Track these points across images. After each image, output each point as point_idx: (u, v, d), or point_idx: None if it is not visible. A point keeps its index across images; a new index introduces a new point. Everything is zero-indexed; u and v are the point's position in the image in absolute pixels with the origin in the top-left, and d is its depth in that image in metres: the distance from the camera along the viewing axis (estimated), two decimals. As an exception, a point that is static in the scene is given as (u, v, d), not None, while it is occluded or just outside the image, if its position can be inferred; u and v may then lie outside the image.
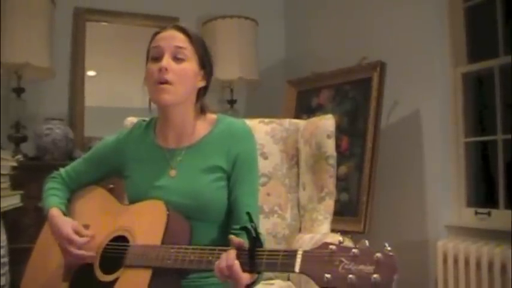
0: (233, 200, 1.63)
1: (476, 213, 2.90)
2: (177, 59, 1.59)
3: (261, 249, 1.29)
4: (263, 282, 2.13)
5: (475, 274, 2.64)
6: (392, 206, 3.25)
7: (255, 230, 1.29)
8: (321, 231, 2.20)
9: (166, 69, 1.57)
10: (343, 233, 2.13)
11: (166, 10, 3.97)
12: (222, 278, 1.33)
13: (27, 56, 3.26)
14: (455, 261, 2.74)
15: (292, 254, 1.22)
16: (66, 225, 1.63)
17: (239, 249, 1.31)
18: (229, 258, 1.30)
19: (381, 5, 3.47)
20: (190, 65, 1.62)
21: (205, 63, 1.67)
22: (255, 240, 1.28)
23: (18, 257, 1.88)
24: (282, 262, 1.23)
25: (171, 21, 3.78)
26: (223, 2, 4.05)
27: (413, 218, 3.15)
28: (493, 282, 2.56)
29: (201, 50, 1.65)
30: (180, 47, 1.60)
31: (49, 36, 3.43)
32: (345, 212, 3.16)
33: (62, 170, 1.85)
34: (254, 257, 1.27)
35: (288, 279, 2.22)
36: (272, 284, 2.14)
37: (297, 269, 1.19)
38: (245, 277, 1.30)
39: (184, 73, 1.61)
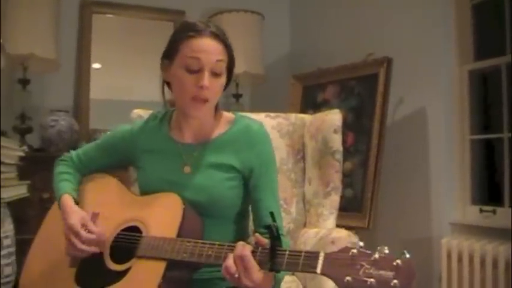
0: (255, 203, 1.64)
1: (481, 211, 2.90)
2: (215, 74, 1.56)
3: (282, 248, 1.29)
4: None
5: (479, 272, 2.64)
6: (397, 203, 3.25)
7: (277, 229, 1.29)
8: (326, 226, 2.20)
9: (207, 88, 1.55)
10: (348, 228, 2.13)
11: (172, 3, 3.97)
12: (231, 277, 1.31)
13: (32, 47, 3.26)
14: (460, 258, 2.74)
15: (314, 255, 1.23)
16: (75, 216, 1.61)
17: (261, 246, 1.31)
18: (244, 248, 1.30)
19: (387, 1, 3.46)
20: (224, 78, 1.60)
21: (231, 66, 1.65)
22: (276, 239, 1.28)
23: (23, 248, 1.88)
24: (304, 263, 1.24)
25: (177, 15, 3.89)
26: (229, -5, 4.05)
27: (417, 215, 3.14)
28: (497, 280, 2.56)
29: (230, 54, 1.62)
30: (219, 61, 1.56)
31: (55, 27, 3.43)
32: (350, 208, 3.16)
33: (73, 153, 1.84)
34: (275, 256, 1.27)
35: (293, 274, 2.23)
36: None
37: (318, 270, 1.21)
38: (259, 272, 1.29)
39: (219, 89, 1.60)
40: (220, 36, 1.57)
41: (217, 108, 1.70)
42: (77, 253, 1.59)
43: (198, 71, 1.54)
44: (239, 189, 1.65)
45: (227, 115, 1.73)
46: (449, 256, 2.79)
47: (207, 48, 1.55)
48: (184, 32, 1.58)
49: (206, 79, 1.53)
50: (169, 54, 1.61)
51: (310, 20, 4.24)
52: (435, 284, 2.96)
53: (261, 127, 1.70)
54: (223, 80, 1.60)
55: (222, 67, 1.58)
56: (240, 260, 1.29)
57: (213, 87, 1.56)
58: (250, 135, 1.67)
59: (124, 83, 3.89)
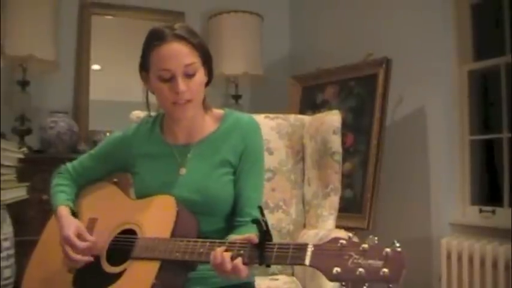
0: (237, 192, 1.64)
1: (481, 211, 2.90)
2: (188, 75, 1.56)
3: (271, 242, 1.29)
4: (268, 277, 2.14)
5: (478, 272, 2.64)
6: (397, 203, 3.24)
7: (266, 224, 1.29)
8: (325, 227, 2.20)
9: (184, 92, 1.54)
10: (347, 229, 2.13)
11: (171, 4, 3.97)
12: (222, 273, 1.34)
13: (32, 48, 3.26)
14: (459, 258, 2.73)
15: (302, 247, 1.23)
16: (70, 226, 1.62)
17: (250, 242, 1.31)
18: (216, 257, 1.33)
19: (387, 1, 3.46)
20: (200, 74, 1.59)
21: (207, 60, 1.64)
22: (265, 233, 1.29)
23: (23, 249, 1.88)
24: (293, 255, 1.24)
25: (176, 16, 3.90)
26: (228, -4, 4.05)
27: (417, 215, 3.14)
28: (496, 280, 2.56)
29: (202, 50, 1.61)
30: (188, 65, 1.55)
31: (54, 29, 3.43)
32: (349, 209, 3.15)
33: (68, 165, 1.84)
34: (264, 250, 1.28)
35: (292, 275, 2.23)
36: (277, 279, 2.14)
37: (307, 262, 1.20)
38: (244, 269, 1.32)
39: (199, 86, 1.59)
40: (185, 37, 1.56)
41: (205, 106, 1.70)
42: (72, 263, 1.61)
43: (171, 79, 1.55)
44: (233, 182, 1.65)
45: (217, 112, 1.73)
46: (449, 256, 2.79)
47: (174, 54, 1.54)
48: (150, 41, 1.58)
49: (180, 85, 1.53)
50: (144, 66, 1.63)
51: (309, 20, 4.24)
52: (435, 284, 2.95)
53: (252, 119, 1.71)
54: (199, 77, 1.59)
55: (195, 67, 1.57)
56: (221, 265, 1.32)
57: (191, 88, 1.56)
58: (241, 126, 1.67)
59: (123, 84, 3.88)
